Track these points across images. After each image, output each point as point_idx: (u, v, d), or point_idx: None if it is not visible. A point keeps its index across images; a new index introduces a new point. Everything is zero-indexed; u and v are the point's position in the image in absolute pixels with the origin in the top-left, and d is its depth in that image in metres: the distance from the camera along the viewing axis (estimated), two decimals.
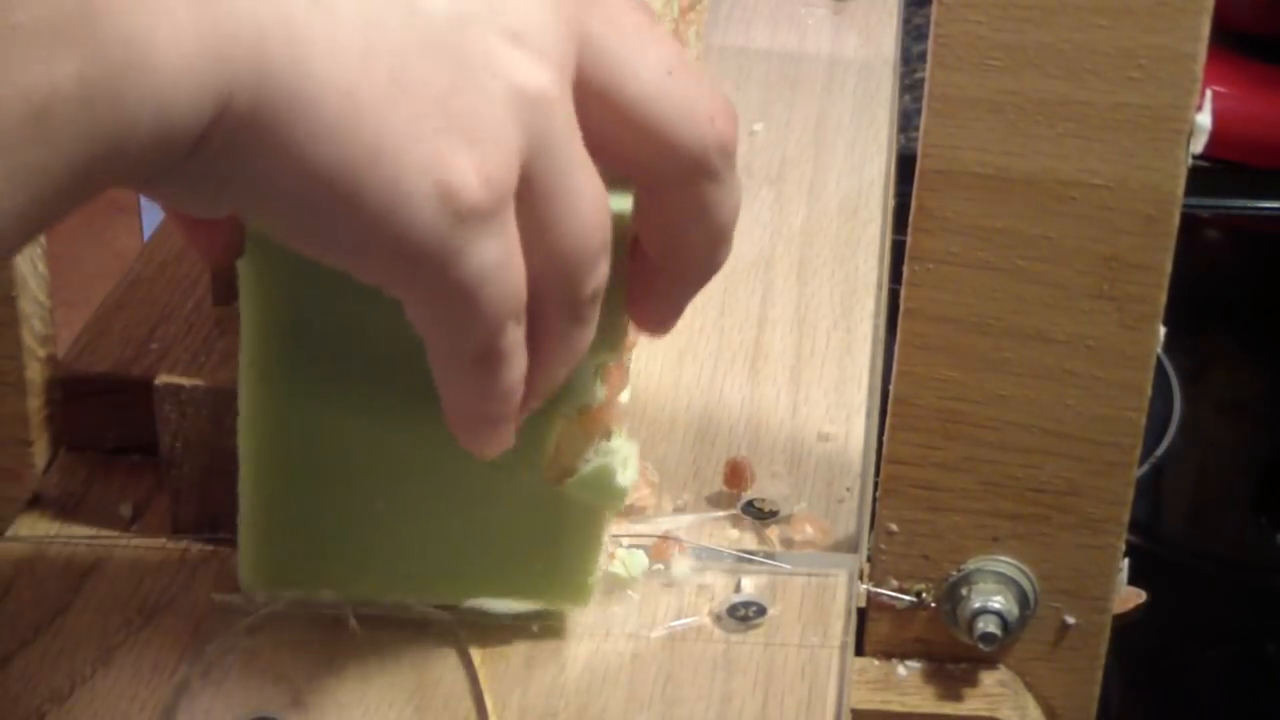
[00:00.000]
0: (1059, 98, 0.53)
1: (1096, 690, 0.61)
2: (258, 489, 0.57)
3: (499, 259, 0.43)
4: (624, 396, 0.57)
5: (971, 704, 0.59)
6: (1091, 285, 0.55)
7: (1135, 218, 0.54)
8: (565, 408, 0.54)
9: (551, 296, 0.46)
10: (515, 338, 0.45)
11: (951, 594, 0.59)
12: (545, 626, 0.58)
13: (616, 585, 0.60)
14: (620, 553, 0.61)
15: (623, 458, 0.56)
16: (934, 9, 0.53)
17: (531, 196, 0.43)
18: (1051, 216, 0.54)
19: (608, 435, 0.55)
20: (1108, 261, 0.54)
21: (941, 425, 0.57)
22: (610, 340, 0.52)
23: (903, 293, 0.56)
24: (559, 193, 0.44)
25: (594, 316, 0.47)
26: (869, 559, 0.61)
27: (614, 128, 0.46)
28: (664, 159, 0.46)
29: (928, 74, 0.54)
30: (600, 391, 0.54)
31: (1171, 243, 0.55)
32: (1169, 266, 0.55)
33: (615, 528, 0.62)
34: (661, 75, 0.46)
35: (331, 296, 0.52)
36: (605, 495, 0.56)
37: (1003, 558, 0.59)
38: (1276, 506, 0.94)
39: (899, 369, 0.57)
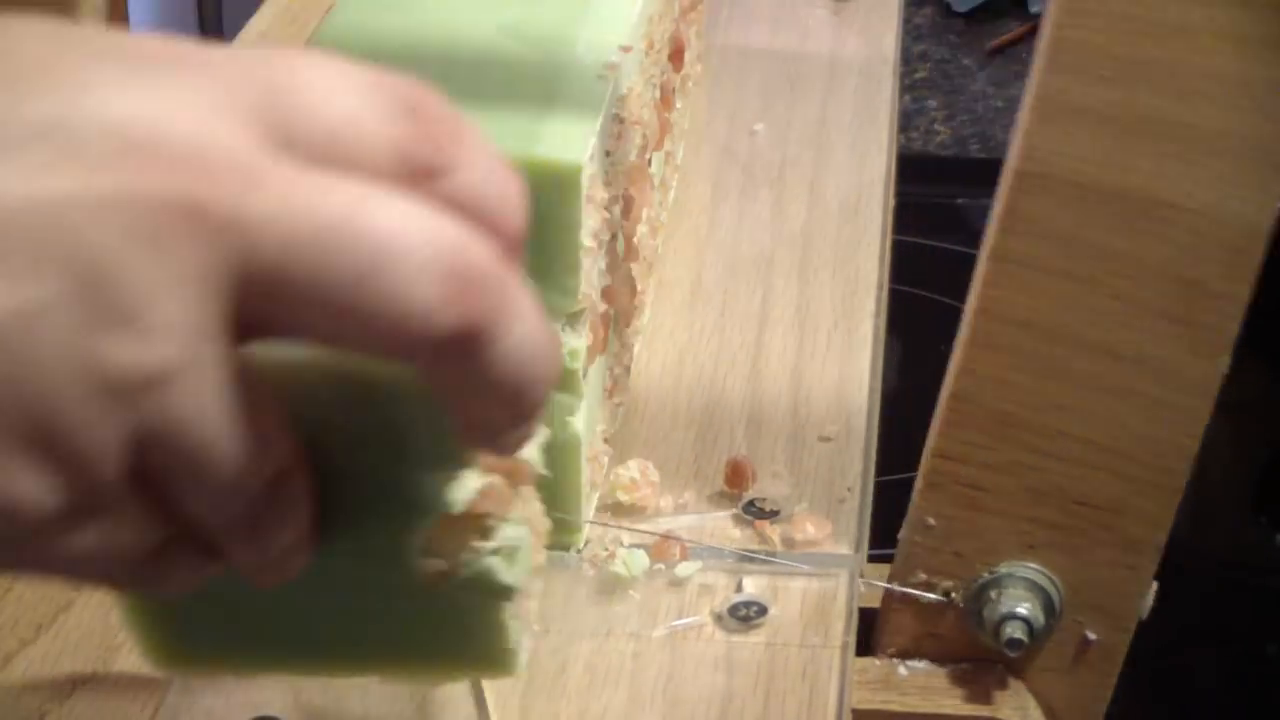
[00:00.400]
0: (1166, 116, 0.52)
1: (1104, 707, 0.61)
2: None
3: (100, 542, 0.37)
4: (532, 452, 0.49)
5: (972, 704, 0.59)
6: (1168, 307, 0.54)
7: (1222, 246, 0.53)
8: (417, 522, 0.46)
9: (209, 529, 0.39)
10: (154, 569, 0.39)
11: (979, 595, 0.59)
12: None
13: (618, 585, 0.60)
14: (621, 552, 0.61)
15: (508, 551, 0.48)
16: (1050, 10, 0.52)
17: (155, 475, 0.37)
18: (1140, 234, 0.53)
19: (485, 533, 0.47)
20: (1188, 286, 0.54)
21: (995, 426, 0.57)
22: (444, 458, 0.45)
23: (975, 289, 0.56)
24: (186, 471, 0.37)
25: (277, 519, 0.40)
26: (894, 551, 0.61)
27: (326, 333, 0.37)
28: (401, 358, 0.38)
29: (1035, 75, 0.53)
30: (460, 495, 0.46)
31: (1254, 276, 0.54)
32: (1247, 299, 0.54)
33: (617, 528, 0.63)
34: (348, 288, 0.36)
35: None
36: (492, 594, 0.48)
37: (1034, 565, 0.59)
38: (1276, 506, 0.94)
39: (960, 365, 0.57)
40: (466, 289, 0.37)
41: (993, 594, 0.59)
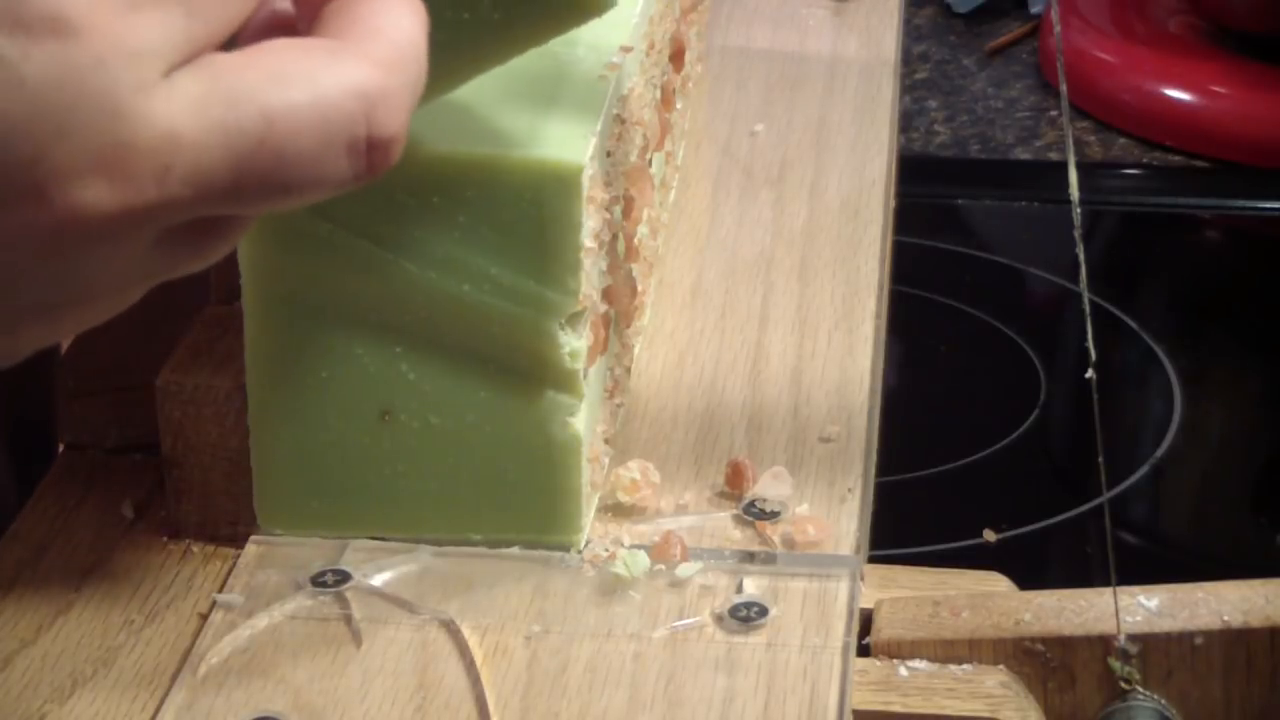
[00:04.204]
0: None
1: None
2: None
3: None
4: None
5: (972, 704, 0.59)
6: None
7: None
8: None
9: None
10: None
11: None
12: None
13: (618, 585, 0.60)
14: (622, 553, 0.61)
15: None
16: None
17: None
18: None
19: None
20: None
21: None
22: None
23: None
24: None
25: None
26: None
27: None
28: None
29: None
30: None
31: None
32: None
33: (616, 528, 0.63)
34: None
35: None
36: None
37: None
38: (1276, 506, 0.94)
39: None
40: (371, 156, 0.40)
41: None
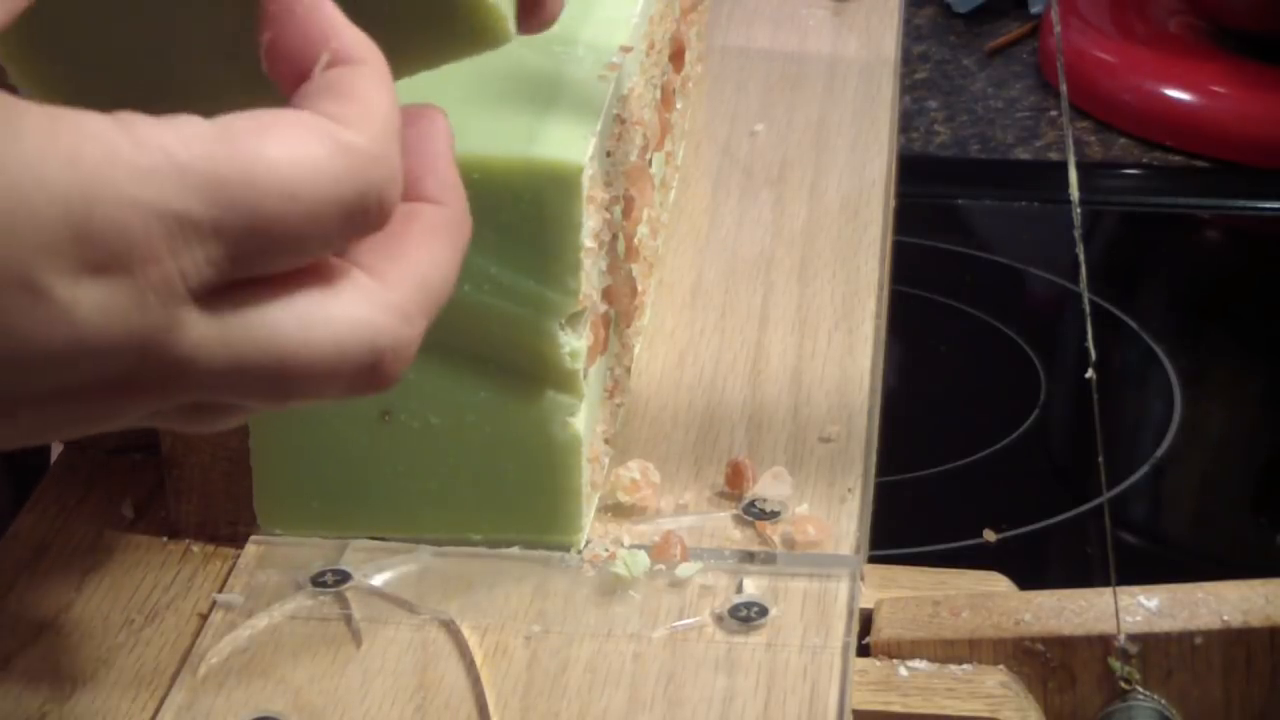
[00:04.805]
0: None
1: None
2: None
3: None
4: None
5: (972, 704, 0.59)
6: None
7: None
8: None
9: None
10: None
11: None
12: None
13: (618, 585, 0.60)
14: (622, 553, 0.61)
15: None
16: None
17: None
18: None
19: None
20: None
21: None
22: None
23: None
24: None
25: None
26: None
27: None
28: None
29: None
30: None
31: None
32: None
33: (616, 528, 0.63)
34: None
35: None
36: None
37: None
38: (1276, 506, 0.94)
39: None
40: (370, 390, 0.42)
41: None
